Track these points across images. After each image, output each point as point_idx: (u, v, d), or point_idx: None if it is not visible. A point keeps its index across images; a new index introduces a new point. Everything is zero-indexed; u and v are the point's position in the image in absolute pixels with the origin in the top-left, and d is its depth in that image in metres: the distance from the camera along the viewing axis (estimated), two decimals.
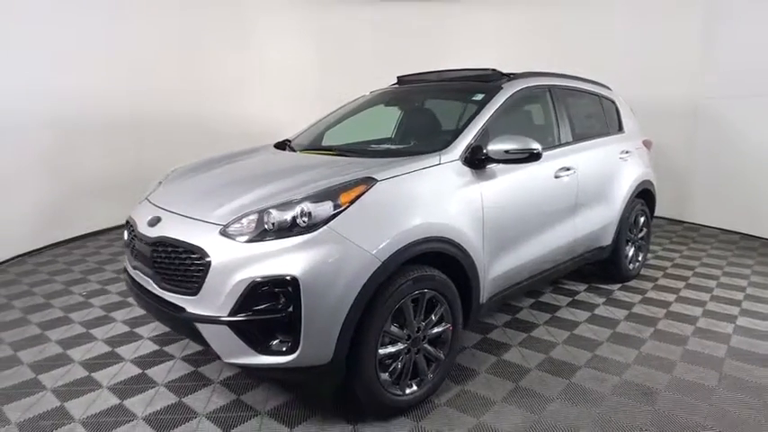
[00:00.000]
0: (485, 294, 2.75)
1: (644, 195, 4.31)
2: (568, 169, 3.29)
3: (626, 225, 4.03)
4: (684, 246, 5.43)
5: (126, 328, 3.36)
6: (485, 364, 2.90)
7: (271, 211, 2.09)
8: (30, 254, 5.08)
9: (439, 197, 2.45)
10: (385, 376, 2.27)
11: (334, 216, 2.09)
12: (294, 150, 3.26)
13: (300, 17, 7.29)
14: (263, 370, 2.11)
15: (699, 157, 6.21)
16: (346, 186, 2.20)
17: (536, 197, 3.07)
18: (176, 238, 2.19)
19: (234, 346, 2.04)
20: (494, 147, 2.65)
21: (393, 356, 2.31)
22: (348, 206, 2.14)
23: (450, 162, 2.58)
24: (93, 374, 2.78)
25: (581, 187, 3.43)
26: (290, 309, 1.97)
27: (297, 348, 2.01)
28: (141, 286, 2.41)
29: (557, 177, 3.21)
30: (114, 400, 2.52)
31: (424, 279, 2.33)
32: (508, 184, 2.83)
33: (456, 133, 2.75)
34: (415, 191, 2.38)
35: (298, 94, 7.22)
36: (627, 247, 4.16)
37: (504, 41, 7.31)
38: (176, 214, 2.34)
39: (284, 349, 2.02)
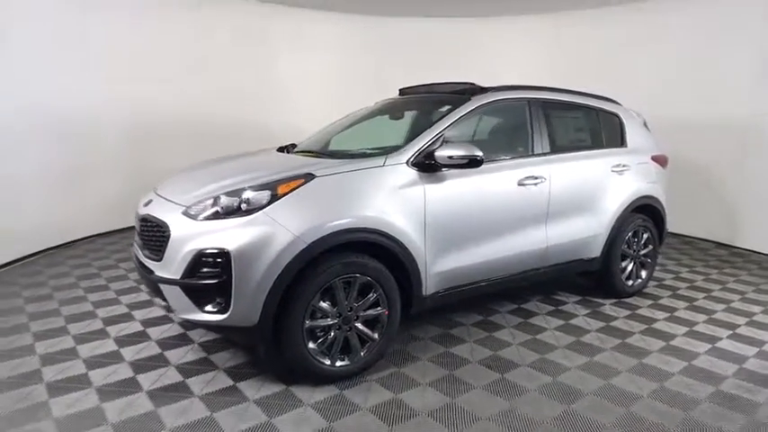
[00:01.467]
0: (429, 288, 3.00)
1: (647, 211, 4.25)
2: (536, 178, 3.43)
3: (620, 239, 4.01)
4: (716, 269, 5.14)
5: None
6: (431, 353, 3.14)
7: (221, 196, 2.56)
8: (100, 235, 6.07)
9: (376, 194, 2.77)
10: (313, 345, 2.63)
11: (269, 203, 2.51)
12: (289, 153, 3.73)
13: (342, 31, 7.82)
14: (205, 326, 2.56)
15: (750, 178, 5.81)
16: (286, 179, 2.62)
17: (492, 202, 3.25)
18: (152, 215, 2.73)
19: (184, 304, 2.51)
20: (440, 153, 2.92)
21: (323, 329, 2.66)
22: (284, 196, 2.54)
23: (395, 165, 2.89)
24: (164, 353, 3.34)
25: (554, 197, 3.53)
26: (224, 277, 2.41)
27: (228, 310, 2.44)
28: (136, 255, 2.99)
29: (521, 185, 3.36)
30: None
31: (354, 265, 2.66)
32: (459, 187, 3.07)
33: (409, 140, 3.06)
34: (351, 187, 2.73)
35: (335, 100, 7.71)
36: (623, 263, 4.13)
37: (532, 56, 7.48)
38: (162, 198, 2.89)
39: (218, 310, 2.46)
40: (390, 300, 2.83)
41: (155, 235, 2.69)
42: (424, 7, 7.31)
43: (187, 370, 2.85)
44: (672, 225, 6.36)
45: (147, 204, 2.93)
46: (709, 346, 3.33)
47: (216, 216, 2.52)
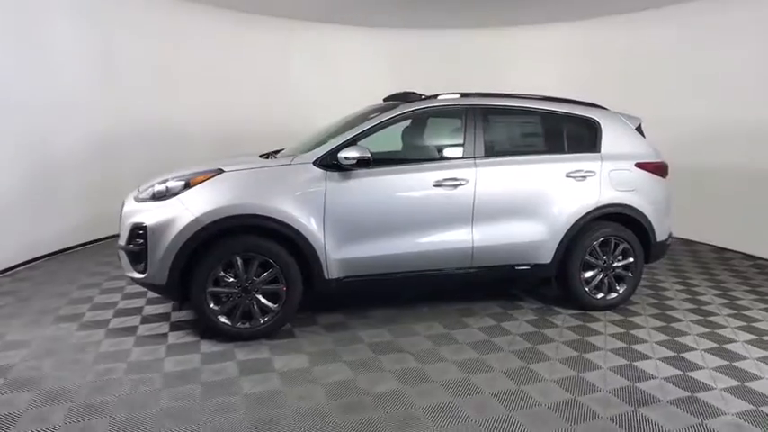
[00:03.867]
0: (331, 272, 3.41)
1: (624, 221, 3.98)
2: (456, 180, 3.57)
3: (579, 247, 3.86)
4: (732, 283, 4.47)
5: None
6: (334, 332, 3.54)
7: (155, 185, 3.34)
8: None
9: (276, 188, 3.29)
10: (214, 307, 3.25)
11: (182, 191, 3.22)
12: (265, 156, 4.37)
13: (372, 43, 8.21)
14: (135, 281, 3.36)
15: None
16: (200, 173, 3.30)
17: (402, 200, 3.51)
18: (124, 200, 3.63)
19: (126, 264, 3.35)
20: (340, 154, 3.33)
21: (227, 295, 3.27)
22: (195, 186, 3.23)
23: (301, 164, 3.38)
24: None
25: (480, 199, 3.62)
26: (144, 245, 3.19)
27: (146, 270, 3.21)
28: None
29: (438, 186, 3.55)
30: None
31: (251, 245, 3.23)
32: (365, 185, 3.42)
33: (320, 143, 3.51)
34: (253, 181, 3.30)
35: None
36: (587, 273, 3.95)
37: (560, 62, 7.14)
38: (138, 188, 3.80)
39: (141, 270, 3.24)
40: (289, 278, 3.33)
41: (120, 214, 3.60)
42: (444, 19, 7.48)
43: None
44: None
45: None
46: (624, 361, 3.13)
47: (150, 200, 3.31)
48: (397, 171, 3.54)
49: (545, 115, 4.00)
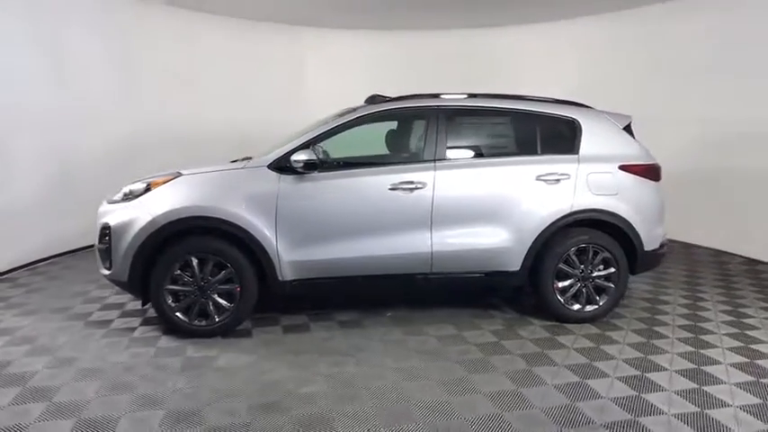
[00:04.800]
0: (285, 274, 3.47)
1: (605, 228, 3.72)
2: (413, 183, 3.50)
3: (551, 255, 3.66)
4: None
5: None
6: (292, 333, 3.59)
7: (123, 188, 3.56)
8: None
9: (231, 191, 3.40)
10: (172, 304, 3.41)
11: (143, 194, 3.41)
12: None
13: (354, 45, 8.06)
14: (106, 278, 3.58)
15: None
16: (160, 176, 3.48)
17: (355, 204, 3.49)
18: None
19: (98, 262, 3.60)
20: (292, 158, 3.38)
21: (184, 293, 3.42)
22: (154, 189, 3.41)
23: (254, 168, 3.47)
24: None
25: (439, 203, 3.52)
26: (109, 243, 3.41)
27: (111, 268, 3.42)
28: None
29: (394, 190, 3.49)
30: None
31: (205, 246, 3.37)
32: (318, 189, 3.45)
33: (276, 147, 3.58)
34: (208, 184, 3.43)
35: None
36: (562, 282, 3.73)
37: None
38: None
39: (107, 267, 3.46)
40: (243, 279, 3.42)
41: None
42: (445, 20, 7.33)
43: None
44: None
45: None
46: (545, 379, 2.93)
47: (119, 201, 3.53)
48: (352, 175, 3.54)
49: (517, 115, 3.83)
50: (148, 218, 3.32)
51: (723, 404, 2.69)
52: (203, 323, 3.46)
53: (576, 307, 3.77)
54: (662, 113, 6.19)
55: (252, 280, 3.45)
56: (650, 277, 4.99)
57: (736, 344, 3.45)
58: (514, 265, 3.67)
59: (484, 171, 3.65)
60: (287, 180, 3.45)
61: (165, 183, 3.44)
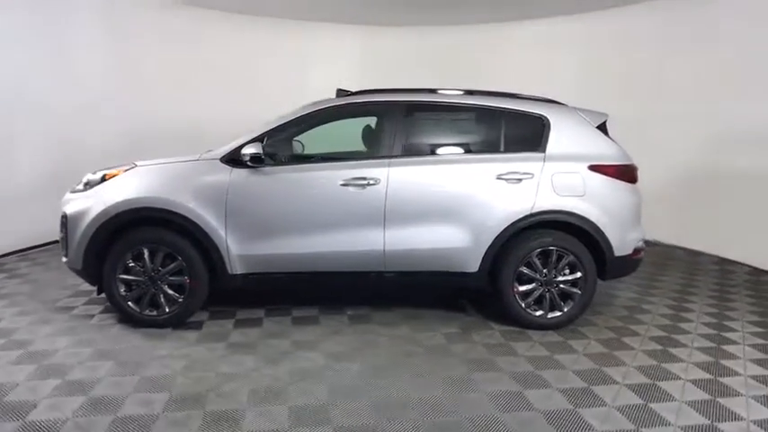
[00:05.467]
0: (235, 268, 3.45)
1: (569, 230, 3.53)
2: (365, 179, 3.41)
3: (511, 257, 3.50)
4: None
5: None
6: (243, 327, 3.57)
7: (83, 179, 3.62)
8: None
9: (182, 183, 3.40)
10: (123, 292, 3.44)
11: (98, 183, 3.46)
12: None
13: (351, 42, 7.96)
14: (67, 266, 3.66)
15: None
16: (115, 167, 3.52)
17: (305, 199, 3.43)
18: None
19: (62, 251, 3.68)
20: (242, 151, 3.36)
21: (137, 283, 3.45)
22: (110, 179, 3.45)
23: (208, 160, 3.46)
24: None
25: (393, 200, 3.42)
26: (65, 232, 3.47)
27: (67, 256, 3.49)
28: None
29: (345, 186, 3.41)
30: None
31: (156, 236, 3.38)
32: (268, 183, 3.41)
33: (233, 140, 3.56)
34: (161, 175, 3.45)
35: None
36: (524, 287, 3.56)
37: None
38: None
39: (65, 254, 3.53)
40: (193, 271, 3.43)
41: None
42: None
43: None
44: None
45: None
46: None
47: (79, 191, 3.60)
48: (303, 169, 3.49)
49: (480, 111, 3.67)
50: (101, 207, 3.36)
51: (664, 423, 2.50)
52: (154, 313, 3.49)
53: (539, 313, 3.59)
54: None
55: (202, 272, 3.45)
56: (639, 285, 4.73)
57: (705, 359, 3.20)
58: (472, 266, 3.53)
59: (440, 168, 3.52)
60: (239, 173, 3.42)
61: (120, 173, 3.48)
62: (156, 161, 3.56)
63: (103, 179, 3.49)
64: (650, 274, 5.14)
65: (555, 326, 3.60)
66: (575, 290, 3.58)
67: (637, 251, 3.70)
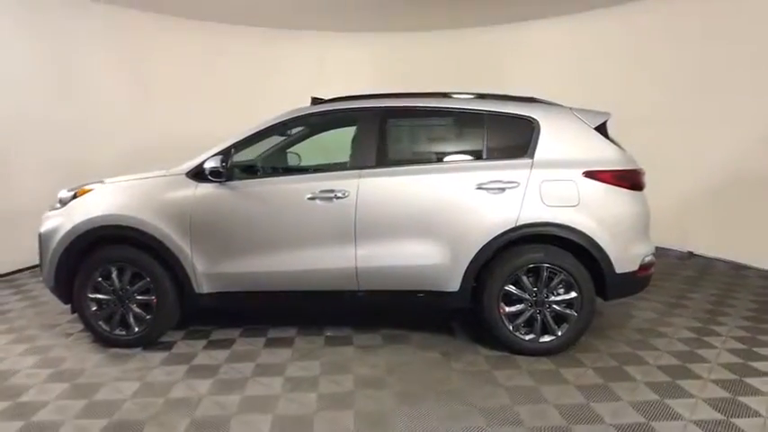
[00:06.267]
0: (201, 287, 3.31)
1: (563, 245, 3.15)
2: (333, 192, 3.18)
3: (496, 275, 3.16)
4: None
5: None
6: (213, 349, 3.42)
7: (58, 195, 3.62)
8: None
9: (147, 199, 3.31)
10: (94, 311, 3.37)
11: (69, 201, 3.44)
12: None
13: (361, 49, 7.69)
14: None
15: None
16: (85, 185, 3.49)
17: (270, 215, 3.24)
18: None
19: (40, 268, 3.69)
20: (205, 165, 3.23)
21: (106, 302, 3.38)
22: (80, 197, 3.42)
23: (174, 175, 3.36)
24: None
25: (364, 215, 3.17)
26: (40, 250, 3.47)
27: (42, 274, 3.48)
28: None
29: (313, 199, 3.20)
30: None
31: (122, 255, 3.31)
32: (233, 198, 3.26)
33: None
34: (126, 193, 3.38)
35: None
36: (511, 307, 3.20)
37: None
38: None
39: (41, 273, 3.53)
40: (159, 290, 3.33)
41: None
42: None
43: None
44: None
45: None
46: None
47: (55, 209, 3.60)
48: (269, 183, 3.32)
49: (460, 116, 3.37)
50: (70, 225, 3.34)
51: None
52: (123, 333, 3.41)
53: (530, 337, 3.22)
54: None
55: (169, 291, 3.34)
56: (664, 303, 4.22)
57: (721, 395, 2.73)
58: (452, 285, 3.22)
59: (414, 179, 3.23)
60: (204, 188, 3.30)
61: (89, 191, 3.45)
62: (124, 178, 3.50)
63: (75, 197, 3.47)
64: (680, 290, 4.59)
65: (547, 351, 3.21)
66: (570, 311, 3.19)
67: (644, 267, 3.26)
